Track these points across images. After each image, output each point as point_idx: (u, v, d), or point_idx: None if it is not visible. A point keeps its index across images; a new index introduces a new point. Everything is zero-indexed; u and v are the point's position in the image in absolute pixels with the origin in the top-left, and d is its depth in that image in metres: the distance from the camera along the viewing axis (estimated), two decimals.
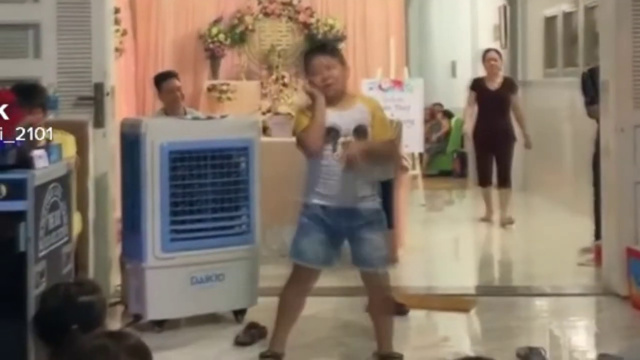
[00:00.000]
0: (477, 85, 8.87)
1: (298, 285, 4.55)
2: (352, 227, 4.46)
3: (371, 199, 4.49)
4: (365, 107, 4.53)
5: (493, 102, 8.61)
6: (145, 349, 2.30)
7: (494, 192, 8.94)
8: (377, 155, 4.48)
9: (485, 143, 8.72)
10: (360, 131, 4.44)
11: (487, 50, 9.17)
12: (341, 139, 4.41)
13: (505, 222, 8.66)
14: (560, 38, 9.87)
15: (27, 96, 4.69)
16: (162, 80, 6.63)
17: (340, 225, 4.46)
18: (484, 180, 8.89)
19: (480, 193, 9.08)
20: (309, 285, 4.58)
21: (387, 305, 4.66)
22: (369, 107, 4.56)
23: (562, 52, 9.80)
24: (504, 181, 8.81)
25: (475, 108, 8.85)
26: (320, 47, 4.97)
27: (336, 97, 4.49)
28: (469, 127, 8.92)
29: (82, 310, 2.78)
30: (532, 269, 7.00)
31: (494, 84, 8.75)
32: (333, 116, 4.44)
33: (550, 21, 10.23)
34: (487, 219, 8.91)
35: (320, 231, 4.45)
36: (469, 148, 10.01)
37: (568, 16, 9.71)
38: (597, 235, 6.63)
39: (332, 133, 4.42)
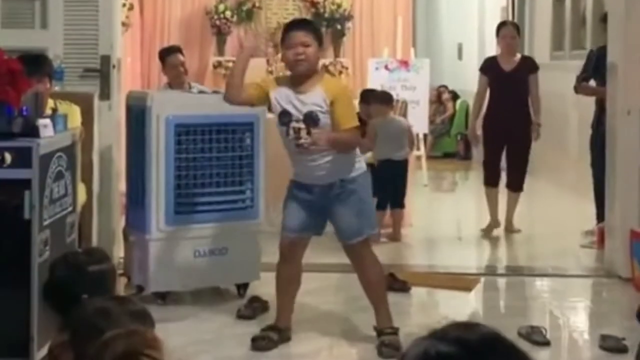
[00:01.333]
0: (489, 67, 7.29)
1: (286, 260, 4.60)
2: (327, 200, 4.49)
3: (344, 169, 4.46)
4: (324, 93, 4.42)
5: (508, 85, 7.08)
6: (148, 315, 2.30)
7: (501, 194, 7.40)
8: (339, 144, 4.44)
9: (496, 135, 7.14)
10: (310, 118, 4.40)
11: (503, 24, 7.63)
12: (293, 124, 4.42)
13: (511, 231, 7.32)
14: (568, 20, 9.83)
15: (35, 65, 4.69)
16: (166, 54, 6.66)
17: (313, 195, 4.51)
18: (490, 179, 7.29)
19: (484, 194, 7.44)
20: (296, 258, 4.61)
21: (373, 276, 4.62)
22: (330, 92, 4.43)
23: (570, 34, 9.76)
24: (516, 183, 7.25)
25: (487, 97, 7.36)
26: (300, 22, 4.92)
27: (304, 75, 4.45)
28: (475, 126, 7.43)
29: (92, 279, 2.79)
30: (534, 250, 7.01)
31: (510, 64, 7.15)
32: (287, 99, 4.44)
33: (558, 3, 10.18)
34: (490, 230, 7.31)
35: (300, 203, 4.52)
36: (476, 143, 7.78)
37: None
38: (599, 217, 6.65)
39: (285, 117, 4.44)
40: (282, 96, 4.45)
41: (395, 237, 7.02)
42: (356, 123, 4.52)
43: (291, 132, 4.42)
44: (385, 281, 5.60)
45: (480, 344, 1.34)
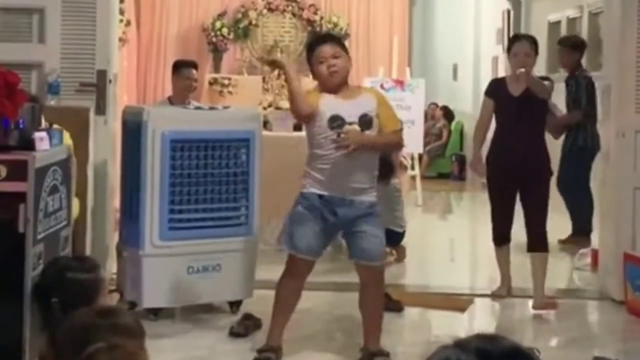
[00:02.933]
0: (496, 90, 5.81)
1: (293, 276, 4.54)
2: (348, 219, 4.44)
3: (368, 192, 4.47)
4: (371, 97, 4.55)
5: (516, 113, 5.61)
6: (134, 327, 2.26)
7: (518, 255, 6.05)
8: (378, 147, 4.53)
9: (504, 177, 5.64)
10: (365, 120, 4.42)
11: (516, 38, 5.97)
12: (346, 127, 4.39)
13: (541, 307, 5.64)
14: None
15: None
16: (183, 65, 6.74)
17: (337, 216, 4.44)
18: (498, 235, 5.84)
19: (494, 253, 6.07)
20: (303, 276, 4.56)
21: (379, 301, 4.61)
22: (375, 97, 4.58)
23: None
24: (538, 239, 5.63)
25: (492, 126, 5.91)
26: (326, 36, 5.02)
27: (340, 86, 4.50)
28: (478, 156, 5.88)
29: (73, 286, 2.77)
30: (528, 271, 7.00)
31: (519, 87, 5.64)
32: (337, 104, 4.43)
33: (554, 26, 10.23)
34: (501, 294, 5.97)
35: (315, 221, 4.43)
36: (480, 173, 6.10)
37: (572, 22, 9.72)
38: (575, 230, 7.55)
39: (337, 121, 4.40)
40: (329, 102, 4.45)
41: (400, 258, 7.06)
42: (400, 125, 4.65)
43: (343, 135, 4.39)
44: None
45: (501, 356, 1.36)
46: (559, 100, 7.40)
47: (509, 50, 5.74)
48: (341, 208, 4.42)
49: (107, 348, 1.96)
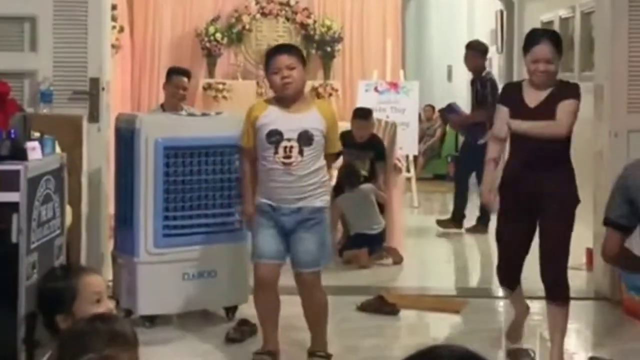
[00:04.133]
0: (511, 97, 4.61)
1: (264, 287, 4.57)
2: (291, 226, 4.50)
3: (315, 197, 4.50)
4: (320, 115, 4.53)
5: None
6: (126, 336, 2.26)
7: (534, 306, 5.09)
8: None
9: (517, 206, 4.52)
10: (304, 137, 4.45)
11: (535, 38, 4.53)
12: (284, 143, 4.43)
13: None
14: None
15: None
16: (173, 73, 6.75)
17: (285, 222, 4.50)
18: (507, 276, 4.81)
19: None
20: (273, 284, 4.57)
21: (316, 306, 4.63)
22: (326, 115, 4.56)
23: None
24: (557, 287, 4.53)
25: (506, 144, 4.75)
26: (284, 46, 4.97)
27: (293, 98, 4.51)
28: (490, 183, 4.68)
29: (45, 295, 2.78)
30: (523, 271, 7.00)
31: (538, 97, 4.50)
32: (278, 118, 4.46)
33: (546, 26, 10.23)
34: (515, 340, 4.87)
35: (270, 227, 4.51)
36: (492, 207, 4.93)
37: (564, 21, 9.73)
38: (453, 216, 8.52)
39: (275, 136, 4.44)
40: (271, 115, 4.48)
41: (396, 260, 7.07)
42: (338, 149, 4.76)
43: (281, 150, 4.42)
44: (374, 303, 5.63)
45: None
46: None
47: (525, 50, 4.51)
48: (286, 217, 4.48)
49: (99, 359, 1.96)
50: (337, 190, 7.29)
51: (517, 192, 4.50)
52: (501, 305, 5.93)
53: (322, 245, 4.52)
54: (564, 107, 4.43)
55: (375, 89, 9.77)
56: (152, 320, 5.17)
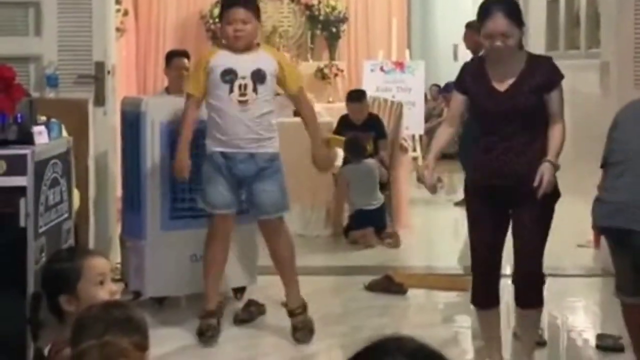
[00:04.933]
0: (476, 80, 4.02)
1: (216, 237, 4.70)
2: (247, 175, 4.60)
3: (268, 143, 4.61)
4: (270, 56, 4.67)
5: (502, 115, 3.93)
6: (131, 321, 2.28)
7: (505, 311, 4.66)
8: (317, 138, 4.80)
9: (486, 202, 4.04)
10: (257, 75, 4.56)
11: (486, 11, 3.89)
12: (238, 81, 4.54)
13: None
14: (562, 20, 9.85)
15: None
16: (173, 56, 6.74)
17: (238, 173, 4.59)
18: (480, 291, 4.22)
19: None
20: (225, 235, 4.70)
21: (286, 251, 4.74)
22: (275, 57, 4.70)
23: (564, 34, 9.77)
24: (528, 293, 4.07)
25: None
26: None
27: (243, 49, 4.61)
28: (431, 162, 4.16)
29: (46, 276, 2.81)
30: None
31: (506, 79, 3.93)
32: (230, 59, 4.58)
33: (552, 4, 10.19)
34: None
35: (222, 177, 4.61)
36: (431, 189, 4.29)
37: None
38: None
39: (230, 75, 4.55)
40: (223, 58, 4.61)
41: (396, 244, 7.06)
42: (302, 82, 4.82)
43: (236, 89, 4.54)
44: (382, 282, 5.64)
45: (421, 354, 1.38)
46: None
47: (479, 27, 3.92)
48: (242, 164, 4.58)
49: (100, 345, 1.98)
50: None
51: (484, 183, 4.02)
52: (509, 283, 5.93)
53: (282, 191, 4.66)
54: (555, 104, 3.95)
55: (381, 69, 9.75)
56: (160, 302, 5.20)
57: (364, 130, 7.23)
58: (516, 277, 4.11)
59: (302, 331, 4.69)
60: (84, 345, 1.98)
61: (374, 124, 7.35)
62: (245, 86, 4.53)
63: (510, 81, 3.93)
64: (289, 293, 4.78)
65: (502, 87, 3.94)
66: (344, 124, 7.29)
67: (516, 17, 3.89)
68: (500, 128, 3.94)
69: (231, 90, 4.54)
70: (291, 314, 4.77)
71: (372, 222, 7.01)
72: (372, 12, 10.96)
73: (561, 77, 4.00)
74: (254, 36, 4.66)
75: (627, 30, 5.88)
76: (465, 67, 4.14)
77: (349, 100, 7.43)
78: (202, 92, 4.62)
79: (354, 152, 6.98)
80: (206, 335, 4.67)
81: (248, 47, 4.61)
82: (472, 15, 13.89)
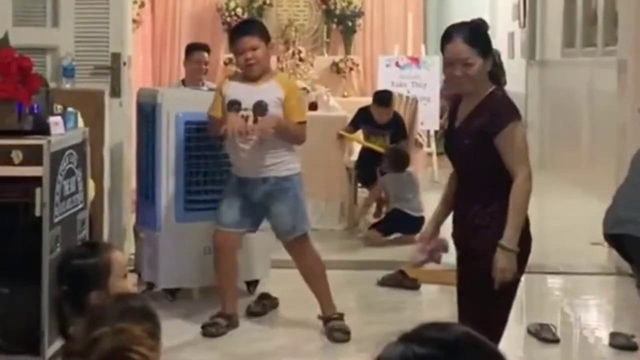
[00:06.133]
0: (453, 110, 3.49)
1: (219, 251, 4.74)
2: (258, 199, 4.65)
3: (280, 166, 4.63)
4: (279, 86, 4.65)
5: (452, 158, 3.52)
6: (142, 313, 2.28)
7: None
8: (285, 132, 4.61)
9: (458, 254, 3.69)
10: (259, 107, 4.59)
11: (445, 36, 3.37)
12: (241, 112, 4.58)
13: None
14: (579, 17, 9.81)
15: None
16: (193, 48, 6.75)
17: (251, 192, 4.65)
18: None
19: None
20: (232, 249, 4.75)
21: (311, 270, 4.76)
22: (285, 87, 4.68)
23: (581, 31, 9.74)
24: None
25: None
26: (245, 26, 4.93)
27: (261, 74, 4.65)
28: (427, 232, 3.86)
29: (74, 272, 2.81)
30: (545, 247, 6.99)
31: (466, 110, 3.38)
32: (238, 90, 4.64)
33: (570, 1, 10.16)
34: None
35: (237, 197, 4.69)
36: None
37: None
38: None
39: (234, 105, 4.61)
40: (233, 88, 4.68)
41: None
42: (304, 119, 4.74)
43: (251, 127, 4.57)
44: (395, 277, 5.64)
45: (456, 343, 1.35)
46: None
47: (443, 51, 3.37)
48: (253, 189, 4.64)
49: (113, 332, 1.99)
50: (360, 167, 7.28)
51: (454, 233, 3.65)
52: (522, 279, 5.92)
53: (294, 212, 4.66)
54: (506, 155, 3.23)
55: (397, 64, 9.73)
56: (173, 294, 5.21)
57: (385, 128, 7.20)
58: None
59: (339, 331, 4.66)
60: (97, 332, 1.99)
61: (396, 123, 7.30)
62: (247, 118, 4.58)
63: (463, 118, 3.36)
64: (322, 302, 4.77)
65: (458, 124, 3.39)
66: (364, 119, 7.24)
67: (480, 43, 3.29)
68: (458, 172, 3.49)
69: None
70: (327, 320, 4.73)
71: (408, 230, 6.76)
72: (388, 6, 10.94)
73: (509, 120, 3.24)
74: (266, 60, 4.72)
75: None
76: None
77: (376, 102, 7.30)
78: (222, 114, 4.69)
79: (397, 163, 6.95)
80: (208, 329, 4.68)
81: (262, 74, 4.65)
82: (489, 12, 13.93)
